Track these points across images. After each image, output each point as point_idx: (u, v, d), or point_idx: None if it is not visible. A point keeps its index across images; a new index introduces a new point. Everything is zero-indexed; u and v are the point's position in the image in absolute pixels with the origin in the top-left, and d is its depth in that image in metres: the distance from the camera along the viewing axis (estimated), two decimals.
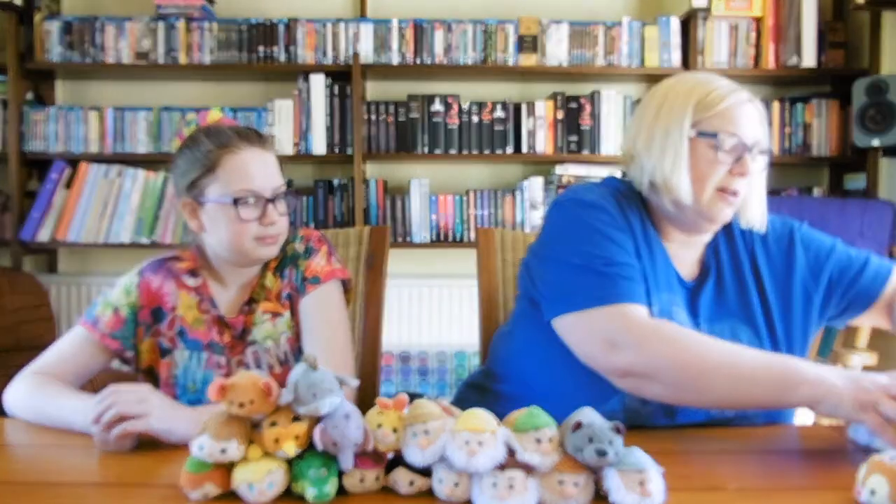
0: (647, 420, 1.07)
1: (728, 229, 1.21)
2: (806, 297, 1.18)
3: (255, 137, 1.23)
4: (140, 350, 1.23)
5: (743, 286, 1.17)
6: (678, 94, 1.14)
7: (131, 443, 0.95)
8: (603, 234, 1.09)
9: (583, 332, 1.05)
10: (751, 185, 1.14)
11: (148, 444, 0.96)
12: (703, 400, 0.99)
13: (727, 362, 0.96)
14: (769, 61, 2.85)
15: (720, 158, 1.10)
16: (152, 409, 0.95)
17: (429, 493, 0.77)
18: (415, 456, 0.76)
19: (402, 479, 0.78)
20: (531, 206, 2.88)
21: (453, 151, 2.85)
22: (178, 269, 1.26)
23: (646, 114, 1.17)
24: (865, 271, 1.21)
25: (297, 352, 1.24)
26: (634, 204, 1.17)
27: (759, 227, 1.19)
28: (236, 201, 1.17)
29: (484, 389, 1.25)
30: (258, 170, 1.20)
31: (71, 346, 1.20)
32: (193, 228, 1.23)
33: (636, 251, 1.11)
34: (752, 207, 1.17)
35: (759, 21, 2.86)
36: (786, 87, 3.02)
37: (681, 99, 1.13)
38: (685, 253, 1.18)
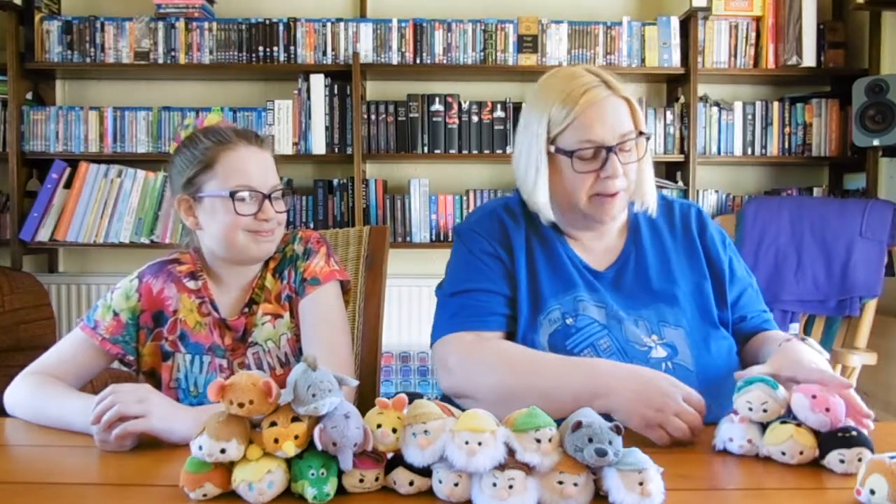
0: None
1: (658, 222, 1.23)
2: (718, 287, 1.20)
3: (253, 137, 1.24)
4: (142, 353, 1.23)
5: (667, 267, 1.18)
6: (536, 106, 1.16)
7: (132, 442, 0.95)
8: (468, 264, 1.18)
9: (435, 358, 1.16)
10: (637, 172, 1.14)
11: (148, 444, 0.96)
12: None
13: (533, 383, 1.02)
14: (769, 61, 2.84)
15: (582, 169, 1.11)
16: (152, 409, 0.95)
17: (429, 493, 0.77)
18: (415, 456, 0.76)
19: (401, 479, 0.78)
20: None
21: (453, 151, 2.85)
22: (179, 271, 1.26)
23: (519, 123, 1.21)
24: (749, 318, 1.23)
25: (298, 353, 1.24)
26: (522, 215, 1.21)
27: (651, 210, 1.20)
28: (233, 195, 1.17)
29: None
30: (255, 167, 1.21)
31: (71, 348, 1.20)
32: (189, 226, 1.23)
33: (522, 265, 1.16)
34: (644, 192, 1.18)
35: (759, 21, 2.86)
36: (786, 87, 3.02)
37: (537, 112, 1.15)
38: (597, 244, 1.21)
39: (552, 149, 1.13)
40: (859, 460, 0.82)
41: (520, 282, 1.16)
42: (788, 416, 0.89)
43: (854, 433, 0.84)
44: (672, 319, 1.14)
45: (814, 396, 0.86)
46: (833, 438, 0.84)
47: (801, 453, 0.86)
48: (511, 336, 1.15)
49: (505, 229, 1.19)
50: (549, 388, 1.00)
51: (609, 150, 1.09)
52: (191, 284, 1.24)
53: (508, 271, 1.17)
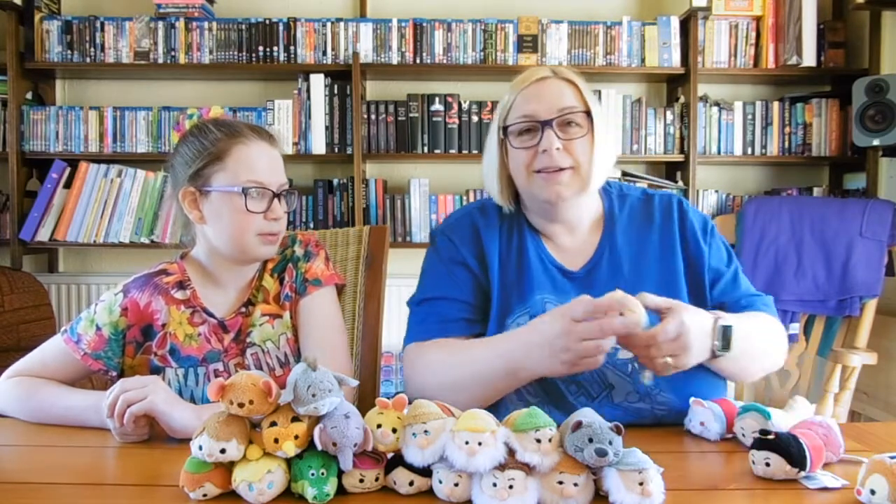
0: (564, 399, 1.11)
1: (632, 212, 1.23)
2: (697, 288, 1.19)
3: (265, 133, 1.23)
4: (131, 365, 1.21)
5: (639, 264, 1.18)
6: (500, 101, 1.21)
7: (147, 430, 0.99)
8: (435, 272, 1.23)
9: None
10: (583, 151, 1.14)
11: (148, 445, 0.97)
12: (467, 405, 0.97)
13: (468, 374, 1.07)
14: (769, 61, 2.84)
15: (519, 145, 1.15)
16: (157, 390, 0.98)
17: (429, 493, 0.78)
18: (415, 456, 0.76)
19: (401, 479, 0.78)
20: None
21: (453, 151, 2.85)
22: (166, 283, 1.22)
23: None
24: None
25: (297, 353, 1.24)
26: (498, 217, 1.24)
27: (590, 191, 1.18)
28: (245, 191, 1.15)
29: None
30: (267, 163, 1.19)
31: (53, 357, 1.18)
32: (193, 219, 1.20)
33: (495, 268, 1.18)
34: (597, 172, 1.16)
35: (759, 20, 2.86)
36: (786, 86, 3.02)
37: (498, 106, 1.21)
38: (571, 242, 1.21)
39: (502, 134, 1.19)
40: (767, 465, 0.82)
41: (492, 285, 1.18)
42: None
43: (770, 436, 0.83)
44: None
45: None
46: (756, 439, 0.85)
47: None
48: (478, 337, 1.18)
49: (477, 232, 1.22)
50: (482, 375, 1.05)
51: (544, 124, 1.12)
52: (178, 295, 1.21)
53: (476, 277, 1.20)
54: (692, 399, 1.03)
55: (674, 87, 2.97)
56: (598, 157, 1.16)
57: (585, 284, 1.16)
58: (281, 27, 2.81)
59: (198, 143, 1.19)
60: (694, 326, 0.97)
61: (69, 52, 2.80)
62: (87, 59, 2.80)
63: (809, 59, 2.79)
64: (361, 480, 0.78)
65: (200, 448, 0.76)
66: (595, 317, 0.93)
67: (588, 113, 1.15)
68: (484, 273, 1.20)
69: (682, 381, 1.09)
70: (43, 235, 2.76)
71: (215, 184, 1.17)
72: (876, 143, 2.53)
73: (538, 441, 0.74)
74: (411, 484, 0.78)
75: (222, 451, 0.75)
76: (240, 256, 1.21)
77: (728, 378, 1.16)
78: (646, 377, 1.00)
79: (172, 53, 2.80)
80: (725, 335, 1.01)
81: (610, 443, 0.72)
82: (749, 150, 2.89)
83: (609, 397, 1.10)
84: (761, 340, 1.12)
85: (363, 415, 0.80)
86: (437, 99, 2.83)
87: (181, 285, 1.23)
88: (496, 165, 1.21)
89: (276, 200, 1.19)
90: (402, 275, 2.95)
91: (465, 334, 1.17)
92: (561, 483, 0.73)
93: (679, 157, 2.86)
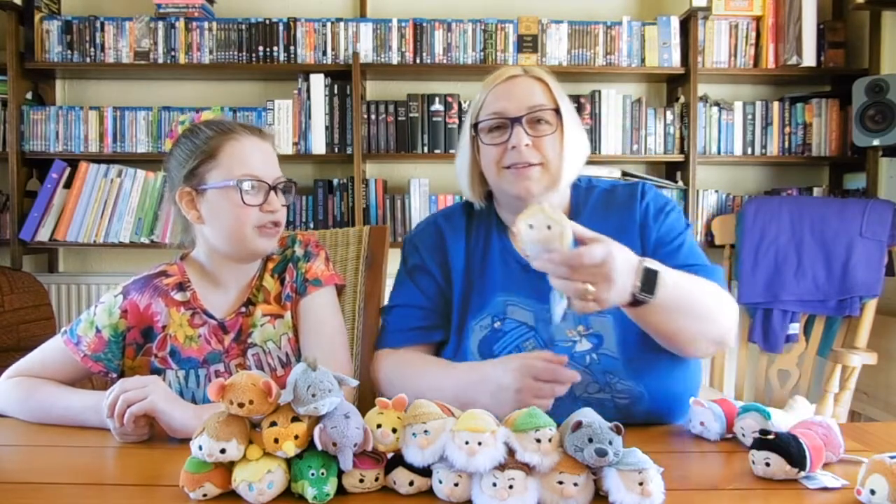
0: None
1: (596, 202, 1.24)
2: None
3: (256, 129, 1.23)
4: (131, 367, 1.21)
5: None
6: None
7: (147, 430, 0.99)
8: (398, 281, 1.27)
9: None
10: (552, 148, 1.16)
11: (148, 445, 0.97)
12: None
13: (430, 389, 1.03)
14: (769, 61, 2.84)
15: (489, 141, 1.18)
16: (156, 390, 0.98)
17: (429, 493, 0.78)
18: (415, 456, 0.76)
19: (401, 479, 0.78)
20: None
21: (453, 151, 2.84)
22: (166, 284, 1.23)
23: None
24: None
25: (298, 353, 1.24)
26: (465, 221, 1.26)
27: (559, 188, 1.19)
28: (240, 185, 1.16)
29: None
30: (259, 157, 1.20)
31: (53, 358, 1.19)
32: (191, 220, 1.21)
33: (459, 272, 1.21)
34: (566, 169, 1.17)
35: (759, 20, 2.86)
36: (786, 86, 3.02)
37: (471, 104, 1.24)
38: None
39: (472, 131, 1.21)
40: (767, 465, 0.82)
41: (454, 290, 1.20)
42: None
43: (771, 436, 0.83)
44: (606, 312, 1.11)
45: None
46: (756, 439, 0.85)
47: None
48: (442, 343, 1.21)
49: (442, 238, 1.25)
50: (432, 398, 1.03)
51: (514, 121, 1.14)
52: (178, 297, 1.22)
53: (438, 284, 1.22)
54: (692, 399, 1.03)
55: (674, 87, 2.97)
56: (568, 153, 1.18)
57: (545, 277, 1.16)
58: (281, 27, 2.81)
59: (190, 144, 1.19)
60: (620, 259, 0.92)
61: (69, 52, 2.79)
62: (87, 59, 2.80)
63: (809, 59, 2.79)
64: (361, 480, 0.78)
65: (200, 448, 0.76)
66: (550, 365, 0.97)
67: (557, 111, 1.17)
68: (446, 279, 1.22)
69: (644, 368, 1.10)
70: (43, 235, 2.76)
71: (210, 181, 1.17)
72: (876, 143, 2.53)
73: (538, 441, 0.74)
74: (411, 484, 0.78)
75: (222, 451, 0.75)
76: (239, 252, 1.21)
77: (667, 344, 1.09)
78: (557, 313, 0.96)
79: (172, 53, 2.80)
80: (648, 277, 0.96)
81: (610, 443, 0.72)
82: (749, 150, 2.89)
83: (570, 390, 1.10)
84: (695, 297, 1.06)
85: (363, 415, 0.80)
86: (437, 99, 2.83)
87: (181, 287, 1.23)
88: (468, 162, 1.24)
89: (272, 193, 1.19)
90: None
91: (425, 342, 1.21)
92: (561, 483, 0.73)
93: (679, 157, 2.86)
